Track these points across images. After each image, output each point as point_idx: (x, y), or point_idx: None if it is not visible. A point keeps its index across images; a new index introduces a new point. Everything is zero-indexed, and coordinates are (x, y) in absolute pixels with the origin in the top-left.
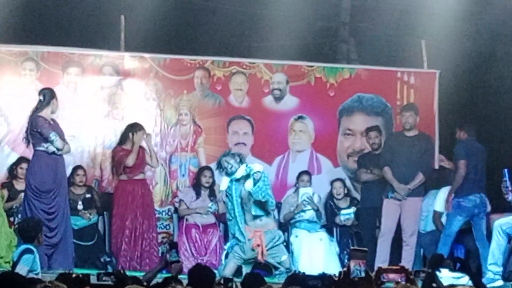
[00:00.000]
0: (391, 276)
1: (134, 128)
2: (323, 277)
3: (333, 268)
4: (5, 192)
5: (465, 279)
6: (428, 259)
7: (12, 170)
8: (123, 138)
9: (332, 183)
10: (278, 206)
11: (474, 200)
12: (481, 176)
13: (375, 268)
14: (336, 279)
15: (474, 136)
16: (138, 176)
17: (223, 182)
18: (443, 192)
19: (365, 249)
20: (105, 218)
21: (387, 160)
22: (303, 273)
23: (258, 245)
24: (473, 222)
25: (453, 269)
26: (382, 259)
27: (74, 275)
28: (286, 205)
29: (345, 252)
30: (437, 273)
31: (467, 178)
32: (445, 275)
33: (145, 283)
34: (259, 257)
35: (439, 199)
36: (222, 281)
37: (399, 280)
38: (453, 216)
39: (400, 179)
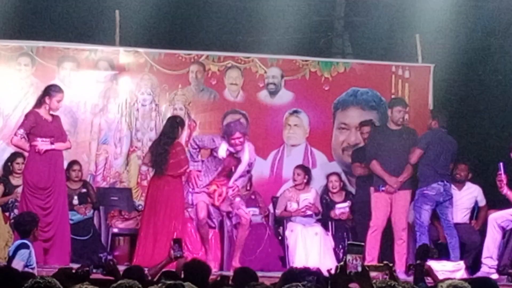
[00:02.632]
0: (373, 274)
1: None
2: (319, 273)
3: (329, 262)
4: (1, 187)
5: (461, 272)
6: (415, 251)
7: (8, 165)
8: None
9: (327, 177)
10: (274, 200)
11: (438, 188)
12: (445, 165)
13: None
14: (332, 273)
15: (444, 127)
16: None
17: None
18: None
19: (362, 243)
20: (100, 213)
21: (373, 153)
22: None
23: None
24: (438, 210)
25: (438, 257)
26: (372, 254)
27: (73, 270)
28: (283, 199)
29: (340, 246)
30: (433, 266)
31: (429, 166)
32: (440, 269)
33: (149, 278)
34: None
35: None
36: (219, 278)
37: (382, 277)
38: (419, 206)
39: (389, 172)
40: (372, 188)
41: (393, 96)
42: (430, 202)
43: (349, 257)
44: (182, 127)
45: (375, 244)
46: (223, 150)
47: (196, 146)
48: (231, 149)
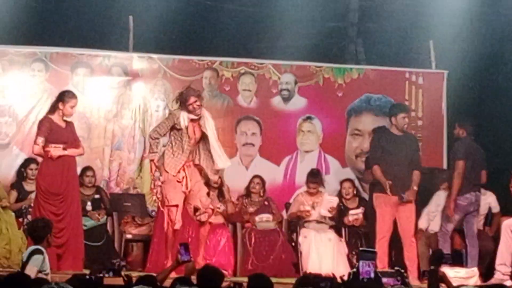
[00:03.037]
0: (385, 280)
1: None
2: (332, 279)
3: (342, 268)
4: (14, 193)
5: (475, 279)
6: (430, 257)
7: (21, 171)
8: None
9: (341, 183)
10: (287, 206)
11: (470, 199)
12: (477, 175)
13: None
14: (345, 280)
15: (472, 135)
16: None
17: None
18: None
19: (374, 250)
20: (114, 219)
21: (376, 158)
22: (314, 274)
23: None
24: (465, 219)
25: (452, 263)
26: (383, 260)
27: (87, 276)
28: (296, 203)
29: (353, 252)
30: (447, 272)
31: (465, 177)
32: (454, 275)
33: (158, 284)
34: None
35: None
36: (232, 284)
37: (393, 283)
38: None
39: (393, 177)
40: (376, 194)
41: (397, 103)
42: (461, 212)
43: (361, 263)
44: None
45: (384, 250)
46: (184, 119)
47: (156, 136)
48: (191, 116)
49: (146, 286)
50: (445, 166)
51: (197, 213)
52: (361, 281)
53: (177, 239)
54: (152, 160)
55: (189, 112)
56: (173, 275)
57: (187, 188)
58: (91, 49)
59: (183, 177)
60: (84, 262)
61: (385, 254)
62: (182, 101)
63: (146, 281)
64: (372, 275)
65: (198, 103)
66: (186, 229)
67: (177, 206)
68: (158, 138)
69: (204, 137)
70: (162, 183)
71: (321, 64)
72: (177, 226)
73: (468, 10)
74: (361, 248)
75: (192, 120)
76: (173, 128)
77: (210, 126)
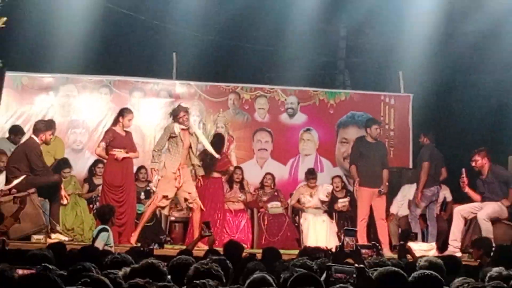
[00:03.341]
0: (364, 251)
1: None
2: (326, 250)
3: (333, 243)
4: (86, 186)
5: (433, 251)
6: (399, 234)
7: (91, 169)
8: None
9: (332, 178)
10: (291, 195)
11: (433, 191)
12: (438, 173)
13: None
14: (334, 251)
15: (434, 142)
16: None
17: None
18: (411, 188)
19: (355, 229)
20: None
21: (353, 160)
22: (311, 247)
23: None
24: (428, 206)
25: (415, 240)
26: (362, 237)
27: (141, 248)
28: (297, 193)
29: (342, 231)
30: (412, 246)
31: (429, 174)
32: (417, 249)
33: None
34: None
35: (412, 192)
36: (248, 255)
37: (371, 254)
38: (419, 203)
39: (368, 176)
40: (356, 186)
41: (370, 118)
42: (426, 200)
43: (346, 239)
44: (224, 141)
45: (364, 229)
46: (177, 128)
47: (158, 149)
48: (182, 126)
49: (185, 256)
50: (410, 166)
51: (187, 203)
52: (345, 253)
53: (202, 219)
54: (153, 168)
55: (180, 123)
56: (199, 244)
57: (179, 183)
58: (144, 78)
59: (177, 176)
60: (138, 238)
61: (364, 232)
62: (175, 116)
63: (185, 253)
64: (354, 247)
65: (186, 116)
66: (216, 213)
67: (167, 196)
68: (160, 150)
69: (192, 143)
70: (161, 177)
71: (317, 89)
72: (166, 211)
73: (429, 47)
74: (345, 227)
75: (182, 129)
76: (170, 137)
77: (198, 132)
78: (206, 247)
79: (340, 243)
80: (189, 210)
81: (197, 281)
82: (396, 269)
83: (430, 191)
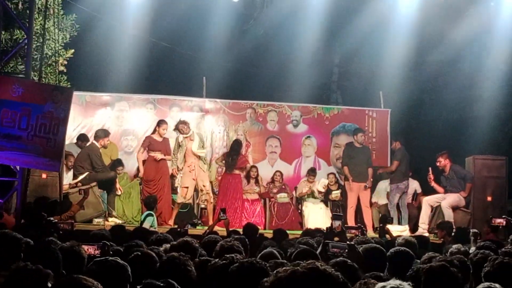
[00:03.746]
0: (352, 231)
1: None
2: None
3: (328, 225)
4: (137, 180)
5: (406, 232)
6: (379, 218)
7: (137, 168)
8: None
9: (328, 175)
10: (295, 188)
11: (404, 184)
12: (407, 170)
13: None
14: (325, 232)
15: (403, 145)
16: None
17: None
18: (385, 183)
19: (341, 214)
20: (194, 196)
21: (345, 162)
22: (312, 229)
23: None
24: (401, 197)
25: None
26: (351, 220)
27: (178, 229)
28: (299, 186)
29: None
30: (390, 228)
31: (400, 171)
32: (394, 230)
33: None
34: None
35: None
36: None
37: (357, 234)
38: (394, 194)
39: (356, 173)
40: (346, 182)
41: (357, 127)
42: (399, 192)
43: (334, 222)
44: (241, 145)
45: (352, 214)
46: (180, 137)
47: (174, 154)
48: (183, 135)
49: (214, 235)
50: (389, 165)
51: (201, 194)
52: (334, 233)
53: (226, 206)
54: (174, 169)
55: (181, 133)
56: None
57: (195, 176)
58: (181, 96)
59: (192, 169)
60: (175, 221)
61: (353, 217)
62: (177, 128)
63: (213, 233)
64: (340, 229)
65: (185, 126)
66: (237, 202)
67: (187, 187)
68: (175, 155)
69: (193, 145)
70: (182, 174)
71: (316, 105)
72: (180, 200)
73: (403, 72)
74: (333, 213)
75: (184, 137)
76: (179, 145)
77: (195, 141)
78: (223, 228)
79: (330, 225)
80: (205, 201)
81: (227, 255)
82: (377, 245)
83: (403, 184)
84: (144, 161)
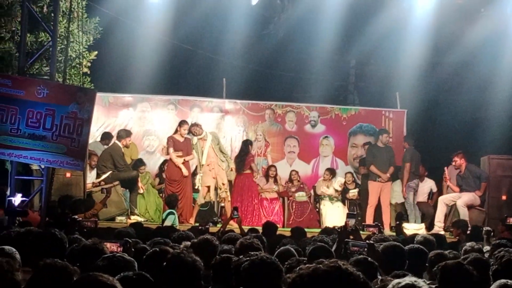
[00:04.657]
0: (370, 229)
1: (250, 142)
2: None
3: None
4: (157, 179)
5: (423, 230)
6: (395, 216)
7: (161, 167)
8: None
9: (345, 174)
10: (314, 187)
11: (415, 182)
12: (416, 169)
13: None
14: (339, 230)
15: (413, 145)
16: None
17: None
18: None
19: (355, 213)
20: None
21: (371, 161)
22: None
23: None
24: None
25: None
26: (370, 219)
27: (199, 227)
28: (318, 185)
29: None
30: (406, 226)
31: (410, 172)
32: (409, 228)
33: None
34: None
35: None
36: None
37: (375, 232)
38: (408, 193)
39: (381, 171)
40: (370, 181)
41: (381, 128)
42: (412, 190)
43: (348, 220)
44: (251, 145)
45: (372, 212)
46: (194, 139)
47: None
48: (198, 136)
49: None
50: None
51: (220, 192)
52: (348, 231)
53: (243, 205)
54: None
55: (194, 135)
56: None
57: (215, 174)
58: (201, 97)
59: (212, 168)
60: (196, 219)
61: (372, 215)
62: (190, 131)
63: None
64: (354, 227)
65: (197, 128)
66: (254, 200)
67: (208, 186)
68: (191, 155)
69: (207, 145)
70: (202, 174)
71: (333, 106)
72: (201, 201)
73: (419, 74)
74: (348, 212)
75: (199, 139)
76: (193, 147)
77: (208, 140)
78: (236, 225)
79: (344, 224)
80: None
81: (252, 253)
82: (397, 243)
83: (413, 183)
84: (165, 162)
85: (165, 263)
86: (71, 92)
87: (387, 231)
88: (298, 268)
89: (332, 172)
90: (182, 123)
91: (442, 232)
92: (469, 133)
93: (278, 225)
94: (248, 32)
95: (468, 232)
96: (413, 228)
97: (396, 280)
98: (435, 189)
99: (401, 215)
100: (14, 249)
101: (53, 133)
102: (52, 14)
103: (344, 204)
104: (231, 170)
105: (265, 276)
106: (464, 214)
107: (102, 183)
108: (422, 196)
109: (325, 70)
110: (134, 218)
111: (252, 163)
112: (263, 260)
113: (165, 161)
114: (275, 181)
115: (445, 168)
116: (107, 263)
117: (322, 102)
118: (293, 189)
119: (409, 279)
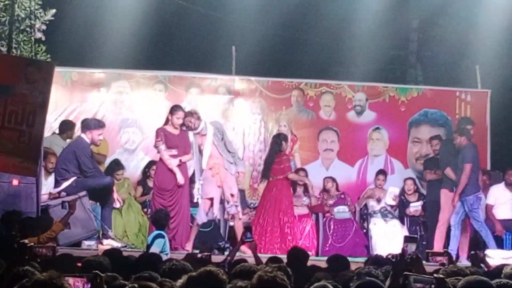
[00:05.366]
0: (438, 258)
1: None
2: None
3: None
4: (140, 189)
5: None
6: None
7: (146, 171)
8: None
9: (404, 180)
10: (359, 198)
11: (481, 193)
12: (478, 173)
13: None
14: (394, 260)
15: (470, 140)
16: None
17: None
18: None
19: (416, 236)
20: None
21: (446, 162)
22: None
23: None
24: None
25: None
26: (439, 243)
27: (199, 255)
28: (366, 195)
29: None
30: (491, 253)
31: (475, 175)
32: (494, 256)
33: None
34: None
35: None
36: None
37: (444, 262)
38: (477, 208)
39: (458, 177)
40: (443, 190)
41: (457, 117)
42: (481, 202)
43: (408, 247)
44: (286, 141)
45: (443, 234)
46: (191, 134)
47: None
48: (194, 131)
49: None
50: (488, 167)
51: (227, 205)
52: (406, 261)
53: (266, 223)
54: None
55: (189, 129)
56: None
57: (220, 182)
58: (201, 73)
59: (216, 173)
60: (195, 244)
61: (443, 237)
62: (183, 123)
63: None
64: (415, 256)
65: (193, 118)
66: (279, 216)
67: (211, 199)
68: (189, 154)
69: (207, 143)
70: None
71: (387, 85)
72: (202, 219)
73: (508, 40)
74: (405, 235)
75: (195, 134)
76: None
77: (209, 135)
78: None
79: (401, 251)
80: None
81: None
82: (483, 278)
83: (481, 193)
84: (151, 163)
85: None
86: (19, 66)
87: (463, 261)
88: None
89: (385, 177)
90: (175, 109)
91: None
92: None
93: (310, 253)
94: None
95: None
96: (499, 256)
97: None
98: None
99: (477, 241)
100: None
101: None
102: None
103: (403, 223)
104: (245, 175)
105: None
106: None
107: (63, 194)
108: (504, 210)
109: (376, 35)
110: (108, 243)
111: (289, 172)
112: None
113: (151, 163)
114: (306, 190)
115: None
116: None
117: (371, 80)
118: (330, 202)
119: None
